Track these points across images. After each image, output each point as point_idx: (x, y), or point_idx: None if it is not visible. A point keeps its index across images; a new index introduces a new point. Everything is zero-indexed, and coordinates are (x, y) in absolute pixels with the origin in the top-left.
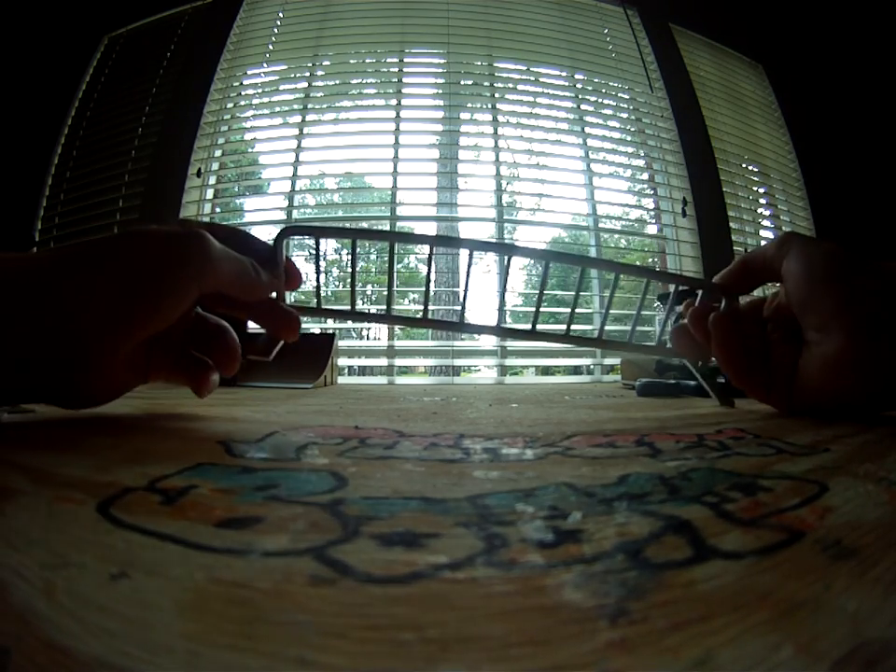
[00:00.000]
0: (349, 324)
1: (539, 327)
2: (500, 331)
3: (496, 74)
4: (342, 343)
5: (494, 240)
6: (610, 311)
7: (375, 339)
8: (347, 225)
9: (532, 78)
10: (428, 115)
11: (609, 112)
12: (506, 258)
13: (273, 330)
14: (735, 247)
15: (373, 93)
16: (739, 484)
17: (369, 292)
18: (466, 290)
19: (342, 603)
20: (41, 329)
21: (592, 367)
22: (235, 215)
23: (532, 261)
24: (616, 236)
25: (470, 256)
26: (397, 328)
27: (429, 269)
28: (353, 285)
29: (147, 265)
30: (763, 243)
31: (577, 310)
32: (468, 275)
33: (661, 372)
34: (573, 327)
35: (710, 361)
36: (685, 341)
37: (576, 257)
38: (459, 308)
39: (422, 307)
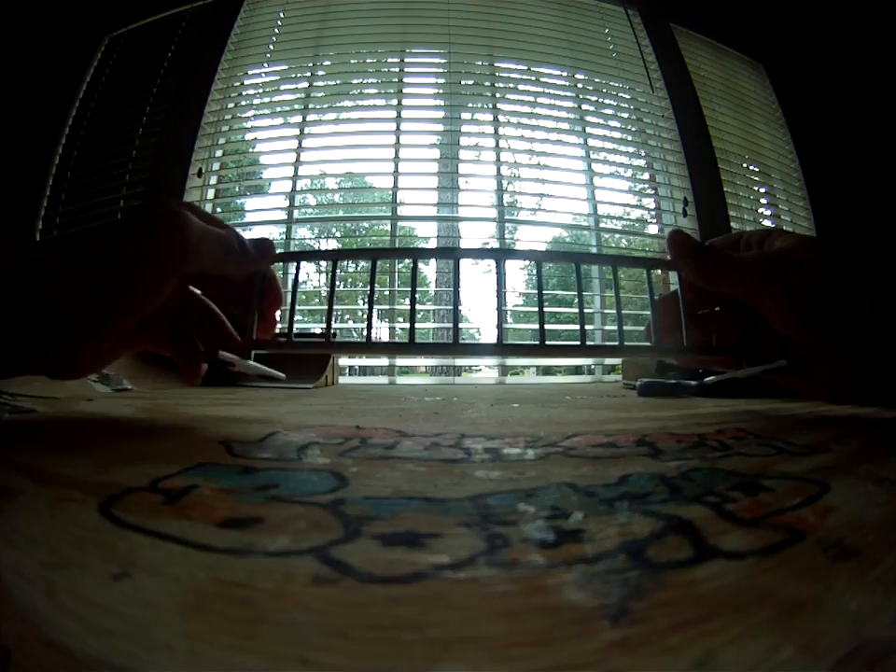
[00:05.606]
0: (350, 323)
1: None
2: (501, 349)
3: (496, 74)
4: None
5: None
6: (610, 311)
7: (376, 339)
8: (348, 225)
9: (533, 78)
10: (429, 115)
11: (609, 112)
12: (501, 264)
13: (266, 304)
14: None
15: (374, 93)
16: (740, 484)
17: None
18: (457, 308)
19: (343, 603)
20: (27, 327)
21: (593, 367)
22: (236, 215)
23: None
24: (617, 236)
25: (457, 269)
26: (398, 327)
27: (413, 296)
28: (329, 316)
29: (124, 262)
30: None
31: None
32: (456, 290)
33: (662, 372)
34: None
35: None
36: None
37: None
38: (453, 326)
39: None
